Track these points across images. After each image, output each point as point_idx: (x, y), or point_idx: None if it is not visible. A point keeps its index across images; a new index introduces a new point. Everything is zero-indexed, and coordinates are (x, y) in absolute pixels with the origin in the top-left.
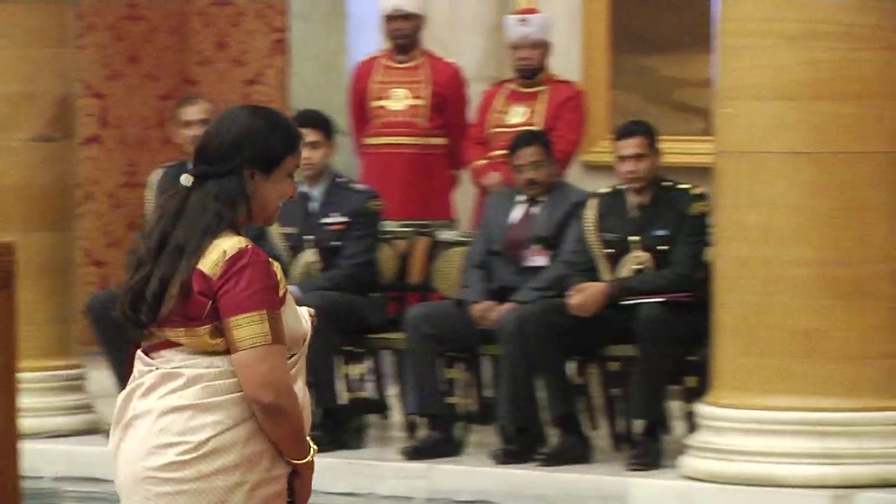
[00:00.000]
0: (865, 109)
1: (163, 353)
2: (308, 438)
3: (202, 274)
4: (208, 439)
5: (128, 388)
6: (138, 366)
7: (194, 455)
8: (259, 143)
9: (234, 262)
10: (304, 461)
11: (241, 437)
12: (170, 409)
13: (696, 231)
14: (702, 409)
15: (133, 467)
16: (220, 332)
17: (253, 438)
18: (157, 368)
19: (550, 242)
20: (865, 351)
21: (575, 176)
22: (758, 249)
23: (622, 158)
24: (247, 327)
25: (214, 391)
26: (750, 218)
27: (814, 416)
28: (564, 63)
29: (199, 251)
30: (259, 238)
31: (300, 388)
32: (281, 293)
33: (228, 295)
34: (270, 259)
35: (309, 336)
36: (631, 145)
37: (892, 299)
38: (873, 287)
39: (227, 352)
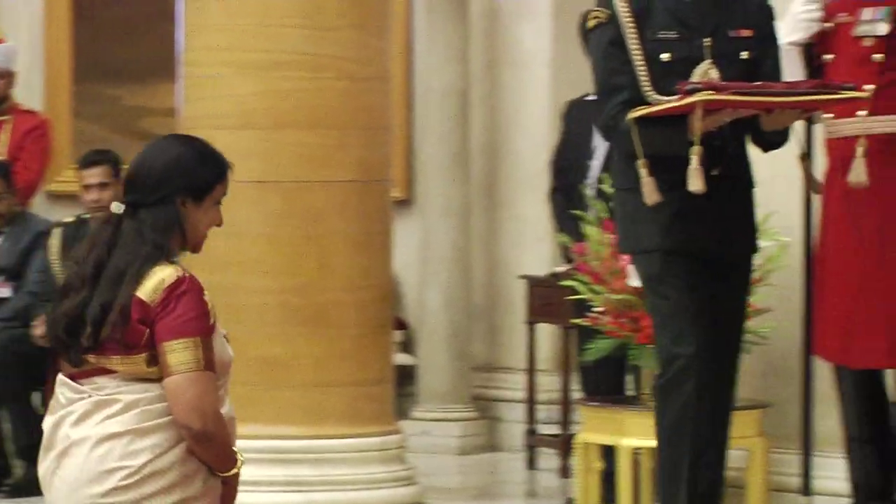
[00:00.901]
0: (326, 139)
1: (95, 379)
2: (235, 450)
3: (141, 301)
4: (147, 462)
5: (55, 415)
6: (65, 392)
7: (136, 478)
8: (190, 171)
9: (173, 290)
10: (231, 473)
11: (178, 457)
12: (108, 436)
13: None
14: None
15: (76, 495)
16: (156, 360)
17: (189, 458)
18: (90, 396)
19: (14, 273)
20: (328, 379)
21: (40, 205)
22: (224, 277)
23: (87, 188)
24: (181, 352)
25: (151, 415)
26: (216, 246)
27: (277, 444)
28: (27, 92)
29: (139, 278)
30: None
31: (227, 410)
32: (211, 321)
33: (165, 321)
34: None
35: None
36: (95, 174)
37: (354, 327)
38: (335, 315)
39: (160, 379)
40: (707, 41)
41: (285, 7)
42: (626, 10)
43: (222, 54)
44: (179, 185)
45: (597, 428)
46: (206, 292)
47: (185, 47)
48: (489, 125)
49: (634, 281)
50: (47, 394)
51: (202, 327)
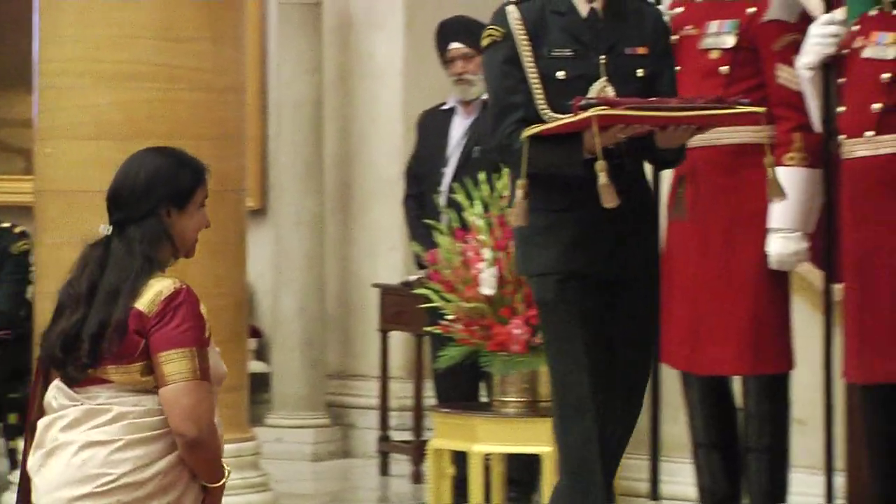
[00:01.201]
0: (182, 148)
1: (90, 388)
2: (222, 461)
3: (139, 313)
4: (127, 472)
5: (49, 417)
6: (58, 397)
7: (112, 486)
8: (170, 181)
9: (170, 301)
10: (217, 485)
11: (159, 470)
12: (92, 443)
13: (18, 269)
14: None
15: (53, 496)
16: (150, 370)
17: (171, 470)
18: (82, 404)
19: None
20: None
21: None
22: None
23: None
24: (177, 362)
25: (138, 428)
26: (71, 255)
27: None
28: None
29: (135, 292)
30: None
31: (218, 422)
32: (207, 333)
33: (161, 331)
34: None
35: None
36: None
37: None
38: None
39: (154, 389)
40: (602, 59)
41: (140, 19)
42: (521, 27)
43: (78, 65)
44: (162, 196)
45: (448, 434)
46: (202, 305)
47: (40, 58)
48: (342, 136)
49: (487, 290)
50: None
51: (198, 338)
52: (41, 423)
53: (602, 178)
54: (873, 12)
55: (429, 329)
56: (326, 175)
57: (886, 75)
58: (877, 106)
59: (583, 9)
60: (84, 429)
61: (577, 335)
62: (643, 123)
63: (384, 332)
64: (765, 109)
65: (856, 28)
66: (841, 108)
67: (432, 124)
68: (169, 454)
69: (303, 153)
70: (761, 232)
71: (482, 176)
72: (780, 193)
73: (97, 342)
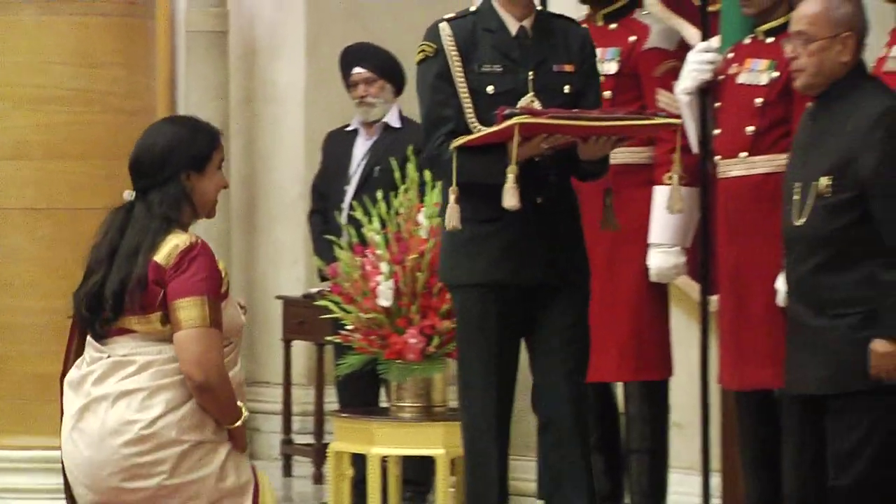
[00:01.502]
0: (96, 169)
1: (116, 339)
2: (240, 404)
3: (157, 265)
4: (161, 415)
5: (78, 374)
6: (90, 352)
7: (152, 430)
8: (187, 146)
9: (186, 253)
10: (235, 426)
11: (189, 410)
12: (125, 392)
13: None
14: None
15: (99, 445)
16: (169, 318)
17: (199, 410)
18: (109, 356)
19: None
20: None
21: None
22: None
23: None
24: (189, 309)
25: (164, 374)
26: None
27: (49, 454)
28: None
29: (154, 248)
30: None
31: (238, 370)
32: (224, 288)
33: (176, 280)
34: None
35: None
36: None
37: None
38: None
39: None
40: (531, 75)
41: (57, 45)
42: (453, 44)
43: None
44: (181, 161)
45: (348, 438)
46: (219, 260)
47: None
48: (247, 156)
49: (384, 301)
50: None
51: (211, 288)
52: (70, 382)
53: (510, 181)
54: (747, 41)
55: (329, 338)
56: (232, 194)
57: (759, 100)
58: (750, 129)
59: (512, 27)
60: (114, 381)
61: (493, 351)
62: (563, 132)
63: (287, 342)
64: (681, 122)
65: (730, 55)
66: (717, 131)
67: (336, 144)
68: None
69: None
70: (642, 247)
71: (380, 194)
72: (680, 206)
73: (119, 298)
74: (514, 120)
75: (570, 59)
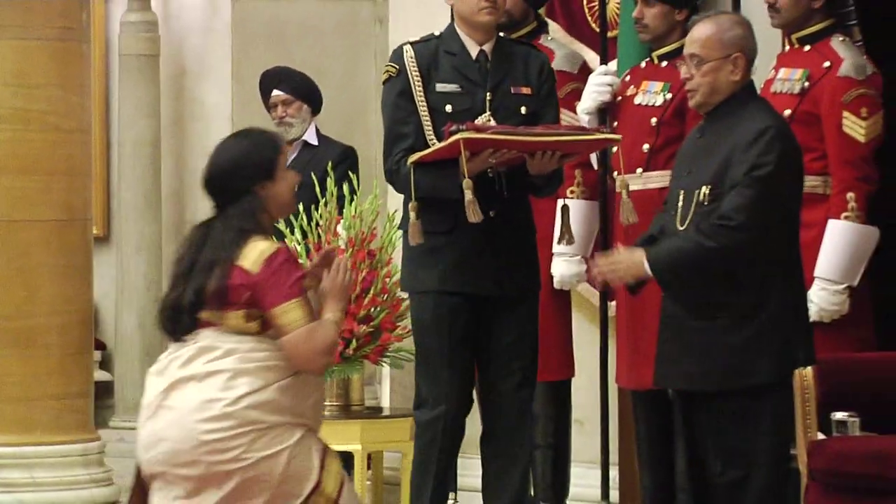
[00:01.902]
0: (34, 183)
1: (200, 331)
2: (332, 318)
3: (242, 270)
4: (244, 395)
5: (163, 363)
6: (172, 346)
7: (235, 408)
8: (254, 159)
9: (273, 260)
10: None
11: (269, 396)
12: (211, 373)
13: None
14: None
15: (186, 422)
16: (252, 317)
17: (281, 395)
18: (195, 342)
19: None
20: (36, 393)
21: None
22: None
23: None
24: (291, 313)
25: (246, 360)
26: None
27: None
28: None
29: (231, 259)
30: None
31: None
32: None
33: (273, 289)
34: (290, 248)
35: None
36: None
37: (58, 348)
38: (42, 338)
39: (256, 334)
40: (488, 95)
41: None
42: (415, 65)
43: None
44: (250, 175)
45: None
46: (293, 249)
47: None
48: (177, 172)
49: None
50: None
51: (301, 289)
52: (153, 371)
53: (468, 195)
54: (643, 64)
55: None
56: (163, 206)
57: (654, 119)
58: (646, 146)
59: (473, 50)
60: (200, 363)
61: (445, 354)
62: (507, 147)
63: None
64: (621, 137)
65: (628, 78)
66: (615, 149)
67: None
68: (279, 381)
69: (142, 187)
70: (546, 256)
71: (301, 207)
72: (631, 216)
73: (195, 308)
74: (459, 136)
75: (527, 82)
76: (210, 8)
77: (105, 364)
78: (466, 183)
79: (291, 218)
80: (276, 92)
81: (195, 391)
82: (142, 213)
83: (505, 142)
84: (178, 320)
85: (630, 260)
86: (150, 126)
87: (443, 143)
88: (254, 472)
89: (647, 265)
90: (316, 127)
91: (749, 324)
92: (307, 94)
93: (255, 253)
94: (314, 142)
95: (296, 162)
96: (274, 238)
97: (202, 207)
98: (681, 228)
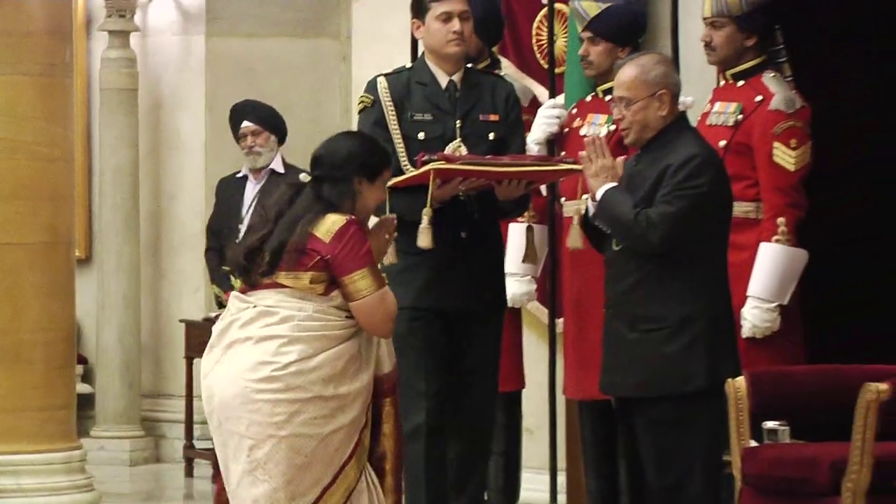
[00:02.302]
0: (22, 208)
1: (263, 292)
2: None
3: (315, 237)
4: (293, 362)
5: (225, 320)
6: (235, 303)
7: (283, 373)
8: (366, 157)
9: (345, 231)
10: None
11: (317, 364)
12: (266, 337)
13: None
14: None
15: (237, 379)
16: (318, 279)
17: (327, 365)
18: (255, 306)
19: None
20: (22, 405)
21: None
22: None
23: None
24: (361, 280)
25: (301, 328)
26: None
27: None
28: None
29: (313, 222)
30: None
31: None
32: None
33: (344, 258)
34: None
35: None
36: None
37: (43, 362)
38: (28, 353)
39: (320, 296)
40: (458, 123)
41: None
42: (388, 95)
43: None
44: (357, 167)
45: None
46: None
47: None
48: (154, 196)
49: None
50: None
51: (371, 258)
52: (217, 327)
53: (424, 222)
54: (588, 98)
55: None
56: (142, 229)
57: None
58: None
59: (443, 80)
60: (258, 326)
61: (421, 366)
62: (476, 177)
63: (189, 359)
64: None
65: (574, 111)
66: (562, 177)
67: (228, 189)
68: (327, 350)
69: (122, 211)
70: None
71: None
72: (577, 242)
73: (276, 256)
74: (430, 166)
75: (495, 109)
76: (185, 45)
77: (87, 377)
78: (426, 211)
79: None
80: (245, 123)
81: (250, 352)
82: (121, 236)
83: (474, 171)
84: (254, 262)
85: (611, 170)
86: (129, 155)
87: (415, 172)
88: (286, 445)
89: (603, 189)
90: (282, 156)
91: (680, 335)
92: (274, 125)
93: (328, 223)
94: (281, 170)
95: (264, 188)
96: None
97: (177, 229)
98: (615, 248)
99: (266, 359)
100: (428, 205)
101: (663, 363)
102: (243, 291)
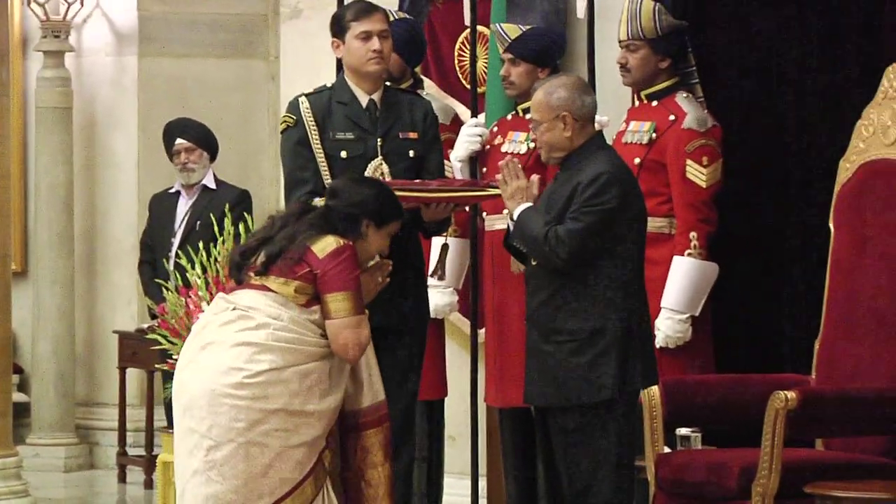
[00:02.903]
0: None
1: (247, 291)
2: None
3: (312, 252)
4: (264, 371)
5: (205, 319)
6: (219, 303)
7: (253, 381)
8: (380, 204)
9: (339, 252)
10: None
11: (287, 377)
12: (241, 343)
13: None
14: None
15: (208, 380)
16: (304, 291)
17: (296, 380)
18: (235, 308)
19: None
20: None
21: None
22: None
23: None
24: (341, 301)
25: (275, 338)
26: None
27: None
28: None
29: (312, 239)
30: None
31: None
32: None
33: (332, 276)
34: None
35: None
36: None
37: None
38: None
39: (300, 306)
40: (379, 141)
41: None
42: (310, 115)
43: None
44: (370, 211)
45: (174, 450)
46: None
47: None
48: (89, 213)
49: None
50: None
51: (356, 283)
52: (195, 326)
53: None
54: (509, 117)
55: (159, 366)
56: (76, 244)
57: (519, 166)
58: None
59: (363, 99)
60: (234, 330)
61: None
62: (407, 202)
63: (122, 369)
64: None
65: (496, 129)
66: None
67: (162, 204)
68: (298, 365)
69: (57, 226)
70: None
71: (202, 244)
72: (517, 266)
73: (272, 259)
74: None
75: (414, 127)
76: (119, 65)
77: (22, 386)
78: None
79: (192, 254)
80: (179, 140)
81: (224, 356)
82: (56, 251)
83: (408, 197)
84: (249, 259)
85: (525, 191)
86: (63, 172)
87: None
88: (245, 451)
89: (519, 210)
90: (213, 172)
91: (590, 347)
92: (207, 142)
93: (326, 241)
94: (212, 185)
95: (197, 203)
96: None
97: (111, 244)
98: (533, 262)
99: (238, 365)
100: None
101: (574, 374)
102: (228, 291)
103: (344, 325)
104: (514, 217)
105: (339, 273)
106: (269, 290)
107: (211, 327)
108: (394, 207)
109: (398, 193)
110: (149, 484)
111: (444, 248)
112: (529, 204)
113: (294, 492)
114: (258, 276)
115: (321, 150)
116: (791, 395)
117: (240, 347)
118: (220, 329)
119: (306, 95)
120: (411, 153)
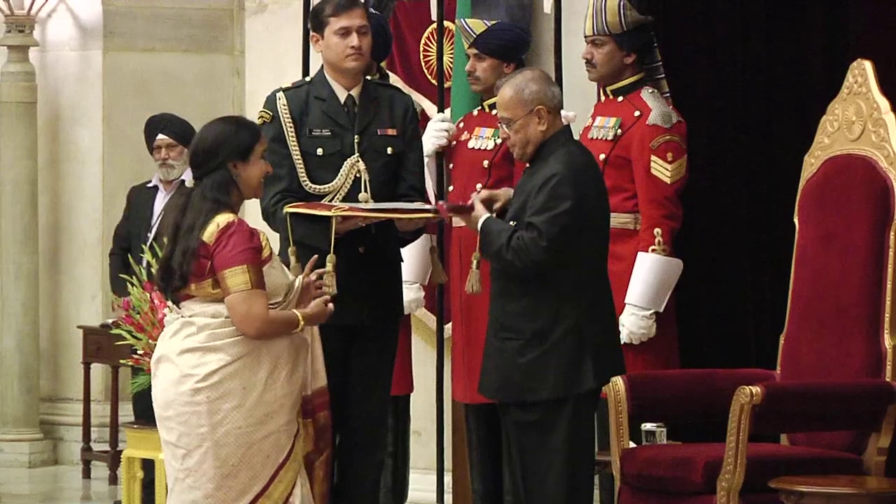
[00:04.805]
0: None
1: (186, 303)
2: (295, 312)
3: (202, 241)
4: (213, 372)
5: (162, 332)
6: (170, 316)
7: (204, 384)
8: (232, 139)
9: (224, 231)
10: (298, 329)
11: (238, 369)
12: (185, 350)
13: None
14: None
15: (166, 392)
16: (218, 284)
17: (248, 370)
18: (181, 317)
19: None
20: None
21: None
22: None
23: None
24: (233, 277)
25: (216, 336)
26: None
27: None
28: None
29: (203, 227)
30: None
31: (280, 311)
32: (265, 255)
33: (220, 255)
34: (254, 229)
35: (297, 283)
36: None
37: None
38: None
39: (222, 301)
40: (356, 138)
41: None
42: (287, 111)
43: None
44: (227, 152)
45: (138, 445)
46: (259, 233)
47: None
48: (53, 208)
49: None
50: None
51: (249, 257)
52: (159, 339)
53: (328, 267)
54: (475, 112)
55: (123, 362)
56: (40, 239)
57: (486, 161)
58: (479, 186)
59: (341, 95)
60: (180, 338)
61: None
62: (374, 221)
63: (87, 364)
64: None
65: (462, 125)
66: (451, 187)
67: (139, 198)
68: (245, 355)
69: (21, 222)
70: None
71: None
72: (476, 286)
73: (184, 268)
74: (334, 212)
75: (393, 124)
76: (83, 60)
77: None
78: (331, 258)
79: (158, 250)
80: (160, 136)
81: (174, 366)
82: (20, 246)
83: (370, 218)
84: (169, 279)
85: (474, 217)
86: (28, 167)
87: (318, 212)
88: (213, 454)
89: (482, 221)
90: None
91: (532, 348)
92: (188, 139)
93: (212, 226)
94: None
95: (170, 198)
96: (233, 214)
97: (75, 239)
98: (508, 257)
99: (188, 371)
100: (330, 251)
101: (517, 371)
102: (175, 301)
103: (239, 299)
104: (478, 229)
105: (226, 249)
106: (195, 296)
107: (163, 340)
108: (247, 131)
109: (365, 215)
110: (113, 479)
111: (433, 251)
112: (487, 215)
113: (272, 482)
114: (181, 289)
115: (297, 147)
116: (756, 389)
117: (186, 354)
118: (169, 341)
119: (284, 90)
120: (389, 150)
